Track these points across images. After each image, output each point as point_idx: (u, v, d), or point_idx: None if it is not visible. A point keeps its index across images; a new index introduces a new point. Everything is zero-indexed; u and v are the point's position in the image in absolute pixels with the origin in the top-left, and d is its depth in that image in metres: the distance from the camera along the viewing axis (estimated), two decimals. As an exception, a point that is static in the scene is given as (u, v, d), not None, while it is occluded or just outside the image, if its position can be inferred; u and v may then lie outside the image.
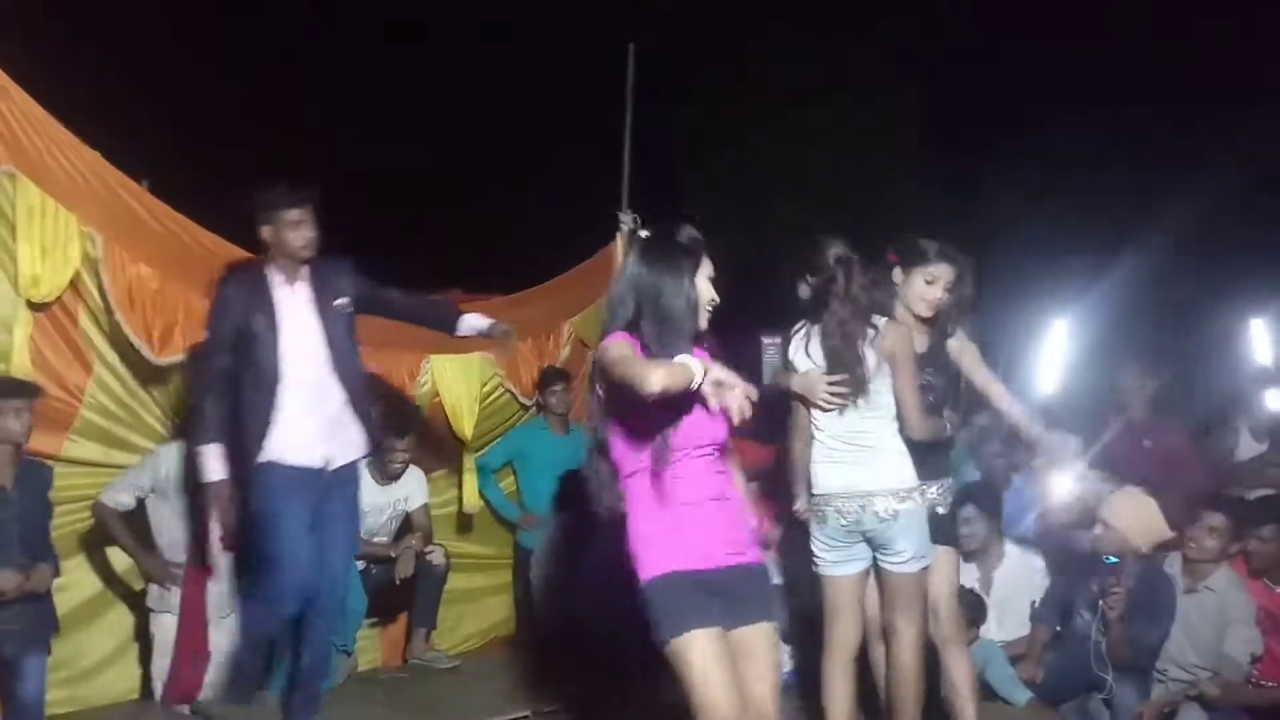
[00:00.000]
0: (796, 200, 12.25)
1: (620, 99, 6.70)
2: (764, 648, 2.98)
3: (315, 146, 12.54)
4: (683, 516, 2.93)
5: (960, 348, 4.09)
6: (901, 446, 3.77)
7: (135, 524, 4.60)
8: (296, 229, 4.08)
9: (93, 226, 4.31)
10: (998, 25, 11.96)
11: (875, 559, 3.81)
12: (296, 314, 4.10)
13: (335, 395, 4.14)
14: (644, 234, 3.10)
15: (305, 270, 4.15)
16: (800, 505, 3.93)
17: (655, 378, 2.69)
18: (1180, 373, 6.17)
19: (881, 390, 3.75)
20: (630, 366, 2.77)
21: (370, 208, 12.92)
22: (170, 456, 4.57)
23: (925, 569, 3.81)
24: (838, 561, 3.81)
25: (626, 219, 6.35)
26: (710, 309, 3.03)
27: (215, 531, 4.20)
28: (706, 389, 2.73)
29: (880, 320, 3.78)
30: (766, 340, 7.66)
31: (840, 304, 3.73)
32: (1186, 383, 6.38)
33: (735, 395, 2.73)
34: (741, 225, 12.28)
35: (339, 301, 4.15)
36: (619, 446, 2.99)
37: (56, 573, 4.29)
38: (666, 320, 2.92)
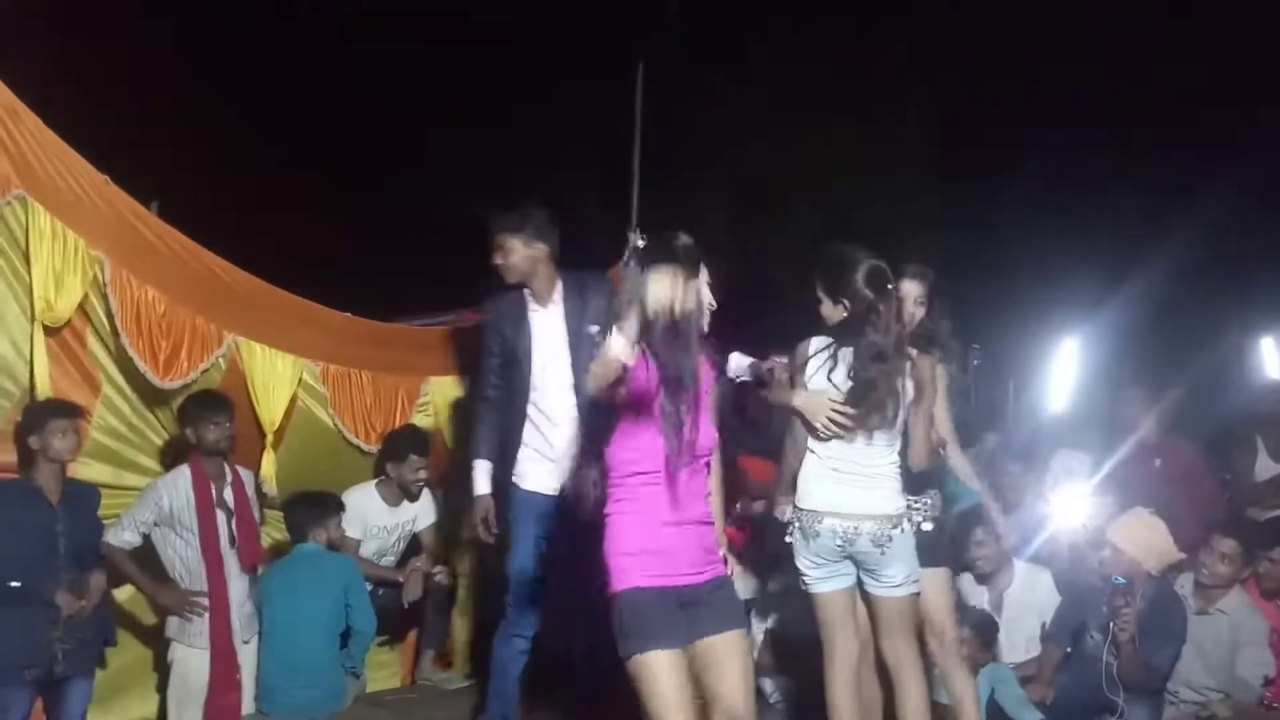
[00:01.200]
0: (801, 218, 12.24)
1: (629, 118, 6.73)
2: (734, 654, 3.04)
3: (321, 166, 12.63)
4: (662, 531, 2.98)
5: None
6: (898, 473, 3.73)
7: (146, 558, 4.59)
8: (493, 254, 4.19)
9: (101, 250, 4.33)
10: (1005, 43, 11.96)
11: (862, 582, 3.75)
12: (547, 338, 4.18)
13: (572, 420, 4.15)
14: (641, 243, 3.12)
15: (559, 293, 4.22)
16: (782, 513, 3.88)
17: (590, 382, 2.84)
18: (1191, 392, 6.13)
19: (901, 420, 3.69)
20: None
21: (375, 226, 12.98)
22: (171, 487, 4.54)
23: (916, 594, 3.77)
24: (825, 578, 3.75)
25: (634, 239, 6.34)
26: (709, 313, 3.08)
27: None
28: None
29: (912, 351, 3.74)
30: (775, 358, 7.67)
31: (882, 335, 3.62)
32: (1197, 402, 6.35)
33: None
34: (750, 244, 12.28)
35: (592, 329, 4.14)
36: (613, 450, 3.02)
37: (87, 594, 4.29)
38: (671, 326, 2.95)
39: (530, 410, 4.22)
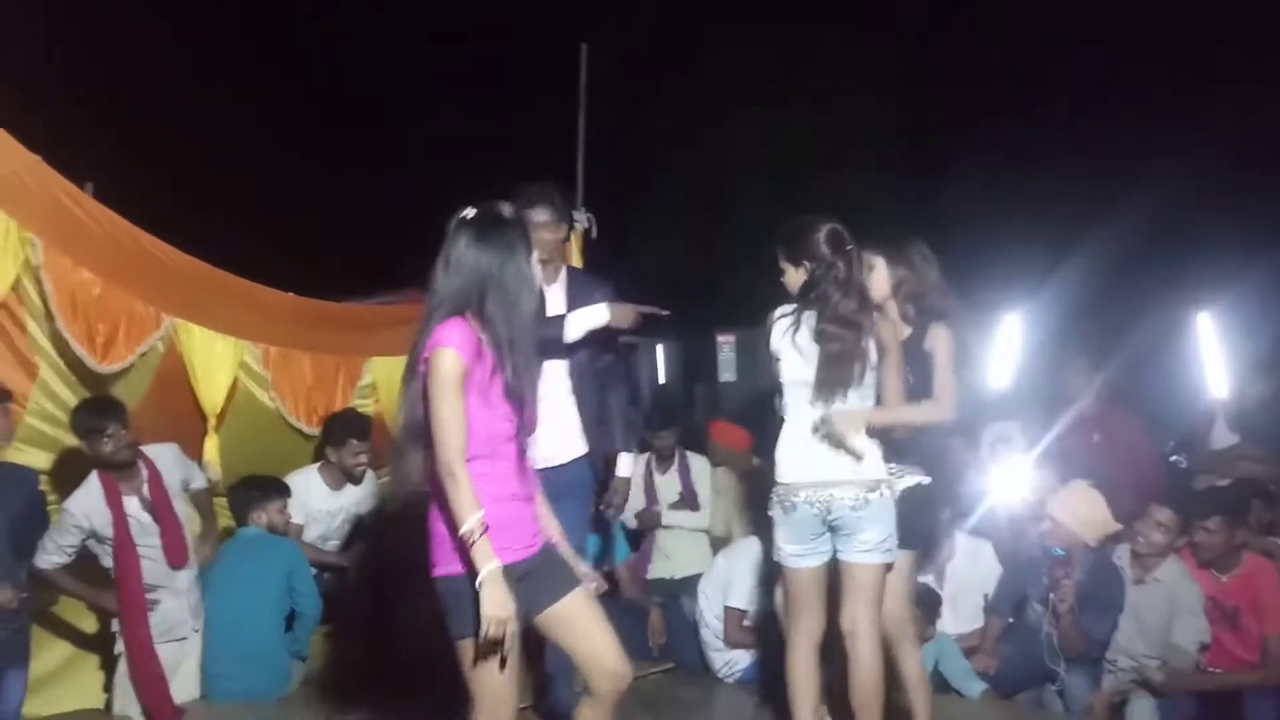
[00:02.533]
0: (754, 197, 12.27)
1: (573, 98, 6.69)
2: (585, 610, 3.02)
3: (260, 149, 12.47)
4: (502, 509, 2.88)
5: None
6: (875, 437, 3.71)
7: (80, 565, 4.51)
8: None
9: (33, 231, 4.24)
10: (956, 18, 12.04)
11: (836, 551, 3.72)
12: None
13: (566, 402, 4.13)
14: (469, 214, 2.98)
15: (563, 275, 4.22)
16: None
17: (444, 461, 2.80)
18: (1131, 365, 6.22)
19: (870, 383, 3.68)
20: (440, 423, 2.80)
21: (315, 209, 12.86)
22: (84, 503, 4.39)
23: (888, 565, 3.72)
24: (801, 554, 3.73)
25: (581, 218, 6.33)
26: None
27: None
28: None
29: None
30: (721, 338, 7.74)
31: (844, 294, 3.63)
32: (1137, 375, 6.45)
33: None
34: (698, 224, 12.30)
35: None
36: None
37: (23, 588, 4.28)
38: (512, 303, 2.90)
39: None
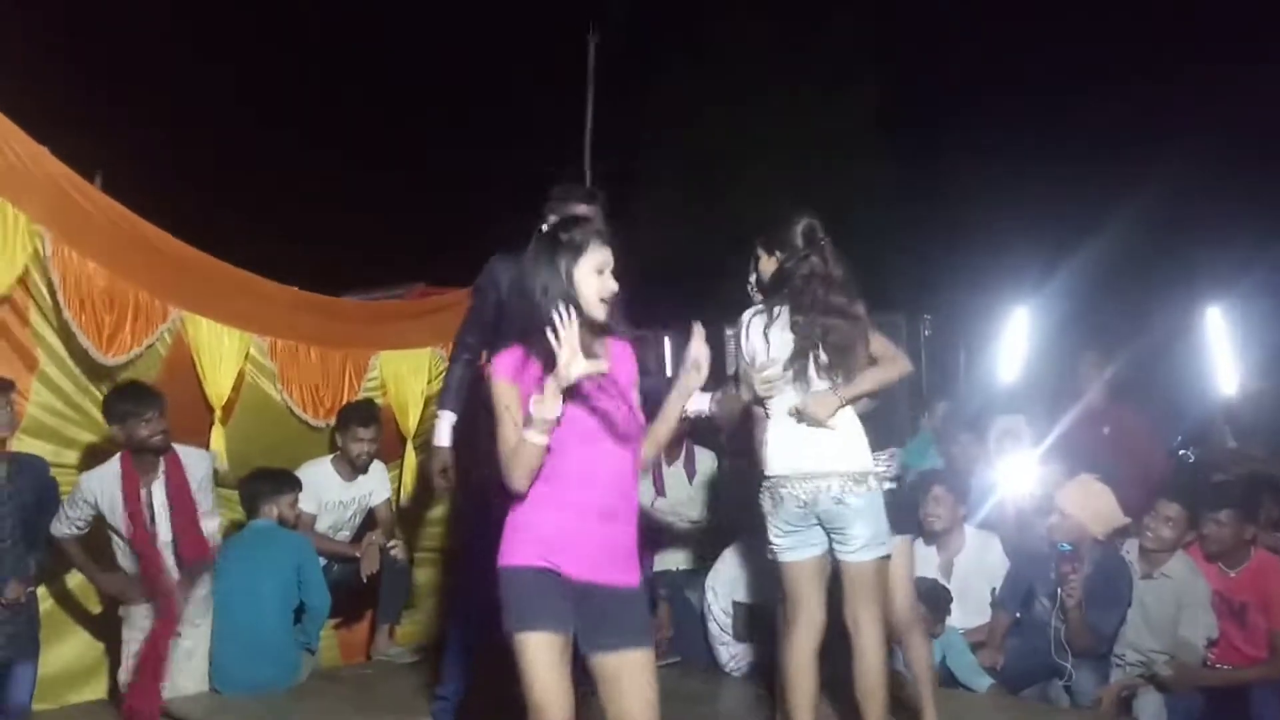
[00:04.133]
0: (755, 187, 12.25)
1: (581, 92, 6.69)
2: (639, 675, 2.87)
3: (269, 141, 12.47)
4: (567, 517, 2.84)
5: None
6: (858, 427, 3.68)
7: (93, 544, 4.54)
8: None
9: (42, 224, 4.27)
10: (962, 5, 12.02)
11: (832, 549, 3.70)
12: None
13: None
14: (544, 227, 2.99)
15: None
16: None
17: (515, 481, 2.78)
18: (1140, 359, 6.22)
19: (845, 369, 3.65)
20: (506, 439, 2.80)
21: (324, 202, 12.86)
22: (98, 483, 4.43)
23: (885, 558, 3.70)
24: (794, 546, 3.70)
25: (588, 210, 6.30)
26: (605, 301, 2.88)
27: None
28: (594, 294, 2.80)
29: None
30: (730, 330, 7.64)
31: (821, 284, 3.63)
32: (1146, 370, 6.45)
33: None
34: (701, 215, 12.29)
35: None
36: None
37: (30, 581, 4.32)
38: (546, 318, 2.78)
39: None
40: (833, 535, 3.68)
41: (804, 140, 13.03)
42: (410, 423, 5.71)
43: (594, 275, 2.86)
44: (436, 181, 13.36)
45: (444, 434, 4.16)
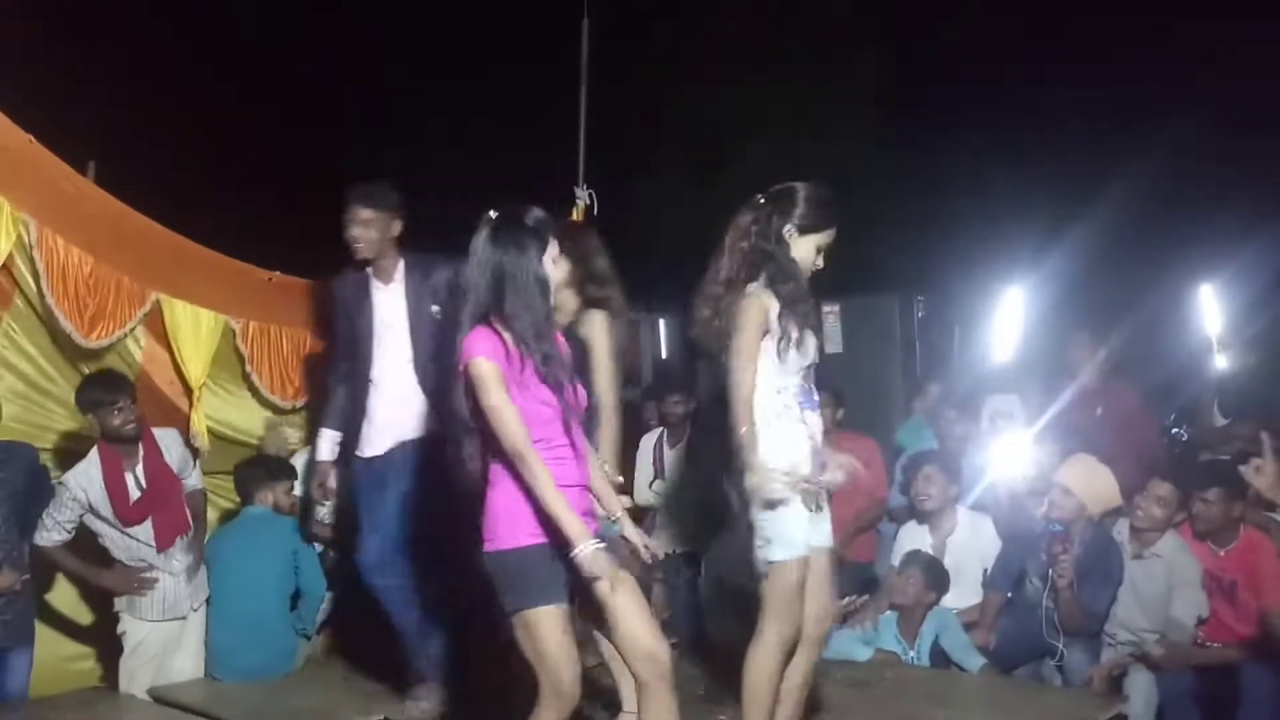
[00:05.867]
0: (749, 168, 12.21)
1: (575, 71, 6.65)
2: (625, 597, 3.06)
3: (262, 122, 12.42)
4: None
5: None
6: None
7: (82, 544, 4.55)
8: (348, 229, 4.19)
9: (26, 212, 4.29)
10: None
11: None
12: (388, 315, 4.21)
13: (415, 398, 4.20)
14: (492, 215, 3.12)
15: (400, 271, 4.24)
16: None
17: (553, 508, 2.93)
18: (1133, 338, 6.22)
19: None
20: (498, 419, 2.96)
21: (315, 182, 12.82)
22: (83, 479, 4.42)
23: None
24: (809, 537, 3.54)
25: (583, 195, 6.30)
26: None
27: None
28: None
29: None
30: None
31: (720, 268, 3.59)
32: (1139, 348, 6.45)
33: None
34: (695, 196, 12.25)
35: (434, 309, 4.20)
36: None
37: (25, 569, 4.35)
38: (526, 304, 3.02)
39: (370, 385, 4.25)
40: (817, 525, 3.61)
41: (798, 121, 13.00)
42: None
43: (552, 265, 3.11)
44: (428, 161, 13.34)
45: (324, 449, 4.38)
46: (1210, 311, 6.54)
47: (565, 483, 3.02)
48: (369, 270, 4.27)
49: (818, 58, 13.39)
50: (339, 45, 13.31)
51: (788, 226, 3.54)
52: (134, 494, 4.46)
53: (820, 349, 3.70)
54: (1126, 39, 10.81)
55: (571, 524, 2.92)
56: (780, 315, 3.46)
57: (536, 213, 3.13)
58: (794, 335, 3.46)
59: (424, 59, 13.60)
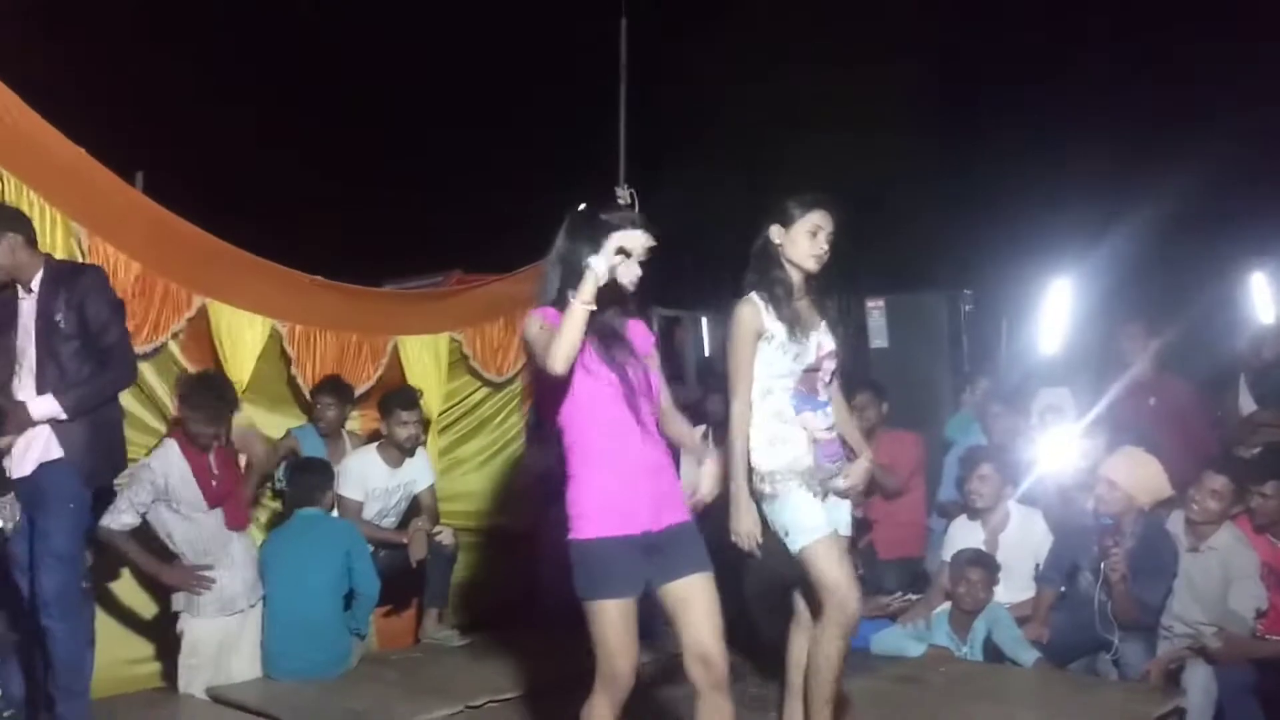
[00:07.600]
0: (793, 165, 12.17)
1: (614, 73, 6.68)
2: (701, 595, 3.11)
3: (307, 130, 12.54)
4: (623, 481, 3.09)
5: None
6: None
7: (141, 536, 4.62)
8: None
9: (78, 222, 4.40)
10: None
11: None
12: (27, 322, 4.07)
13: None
14: (579, 209, 3.19)
15: (38, 280, 4.06)
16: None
17: (554, 358, 2.90)
18: (1186, 329, 6.13)
19: None
20: (537, 350, 3.01)
21: (362, 194, 12.93)
22: (162, 462, 4.53)
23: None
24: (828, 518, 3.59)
25: (623, 194, 6.33)
26: (633, 285, 3.12)
27: None
28: (619, 274, 3.01)
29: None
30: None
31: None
32: (1192, 340, 6.36)
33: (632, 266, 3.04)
34: (738, 194, 12.22)
35: (58, 318, 4.03)
36: (563, 409, 3.11)
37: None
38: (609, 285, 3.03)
39: (15, 392, 4.09)
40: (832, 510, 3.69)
41: (841, 118, 12.93)
42: (434, 406, 5.78)
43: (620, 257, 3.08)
44: (469, 167, 13.41)
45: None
46: (1261, 299, 6.43)
47: (630, 467, 3.09)
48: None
49: (863, 54, 13.31)
50: (382, 49, 13.38)
51: (773, 226, 3.65)
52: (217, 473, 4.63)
53: (847, 345, 3.80)
54: (1177, 23, 10.64)
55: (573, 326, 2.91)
56: (769, 317, 3.56)
57: (618, 206, 3.26)
58: (782, 338, 3.54)
59: (466, 62, 13.66)
